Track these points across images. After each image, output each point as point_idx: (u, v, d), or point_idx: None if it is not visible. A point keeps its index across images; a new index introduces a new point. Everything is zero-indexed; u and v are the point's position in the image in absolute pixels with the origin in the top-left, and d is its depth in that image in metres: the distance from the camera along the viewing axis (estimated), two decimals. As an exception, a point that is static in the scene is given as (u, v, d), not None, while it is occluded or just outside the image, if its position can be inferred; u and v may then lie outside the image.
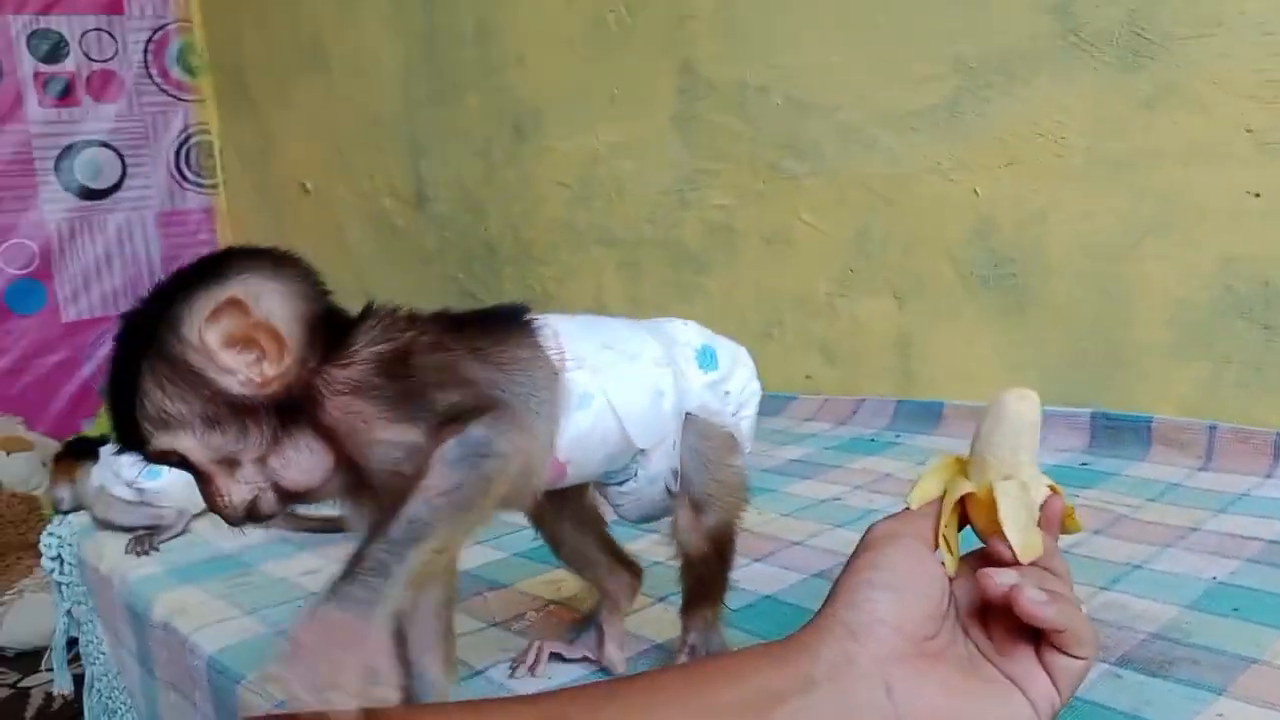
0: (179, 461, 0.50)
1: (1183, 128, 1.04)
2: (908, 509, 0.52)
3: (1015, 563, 0.49)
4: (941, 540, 0.50)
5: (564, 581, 0.81)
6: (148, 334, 0.50)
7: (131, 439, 0.51)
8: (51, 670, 1.19)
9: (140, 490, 1.02)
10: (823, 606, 0.49)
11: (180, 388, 0.49)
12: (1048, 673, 0.49)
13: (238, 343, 0.49)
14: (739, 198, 1.48)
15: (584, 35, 1.67)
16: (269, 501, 0.51)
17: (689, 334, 0.65)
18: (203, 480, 0.51)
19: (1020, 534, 0.50)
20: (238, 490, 0.50)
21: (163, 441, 0.50)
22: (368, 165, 2.28)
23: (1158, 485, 0.93)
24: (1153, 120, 1.06)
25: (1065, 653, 0.49)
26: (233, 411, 0.49)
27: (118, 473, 1.03)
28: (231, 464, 0.50)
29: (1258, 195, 1.00)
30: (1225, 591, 0.70)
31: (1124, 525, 0.84)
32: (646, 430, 0.58)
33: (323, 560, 0.91)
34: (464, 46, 1.92)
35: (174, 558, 0.96)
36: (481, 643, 0.70)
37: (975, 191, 1.20)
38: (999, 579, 0.48)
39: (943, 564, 0.50)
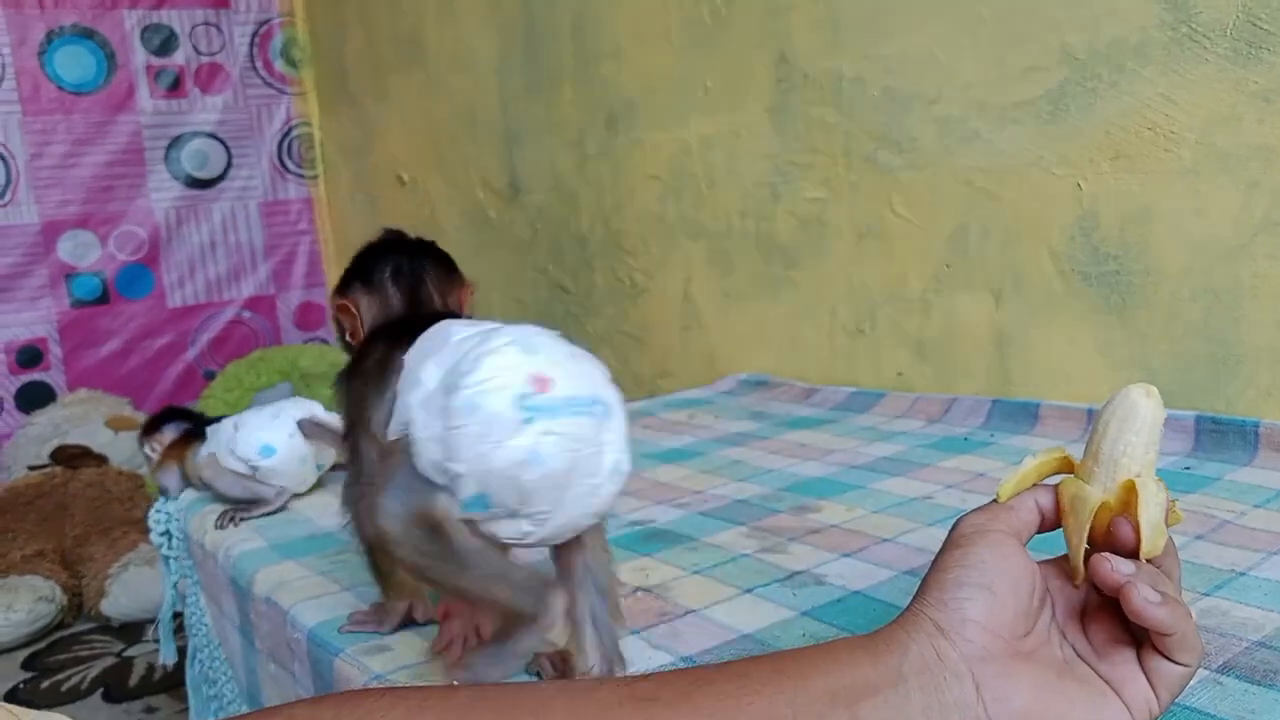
0: None
1: (1301, 121, 1.00)
2: (995, 502, 0.52)
3: (1136, 554, 0.48)
4: (1072, 546, 0.50)
5: (650, 569, 0.82)
6: None
7: None
8: (157, 641, 1.25)
9: (254, 467, 1.07)
10: (911, 603, 0.49)
11: None
12: (1147, 678, 0.48)
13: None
14: (832, 190, 1.47)
15: (679, 27, 1.67)
16: None
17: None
18: None
19: (1152, 529, 0.49)
20: None
21: None
22: (463, 157, 2.32)
23: (1264, 491, 0.90)
24: (1267, 114, 1.02)
25: (1169, 658, 0.48)
26: None
27: (233, 449, 1.07)
28: None
29: (1382, 192, 0.96)
30: (1338, 603, 0.67)
31: (1227, 531, 0.81)
32: None
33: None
34: (560, 39, 1.94)
35: (275, 534, 0.99)
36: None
37: (1079, 186, 1.17)
38: (1119, 567, 0.47)
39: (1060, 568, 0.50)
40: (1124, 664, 0.49)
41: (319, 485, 1.14)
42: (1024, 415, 1.18)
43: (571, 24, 1.90)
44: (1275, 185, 1.02)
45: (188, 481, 1.17)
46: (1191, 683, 0.57)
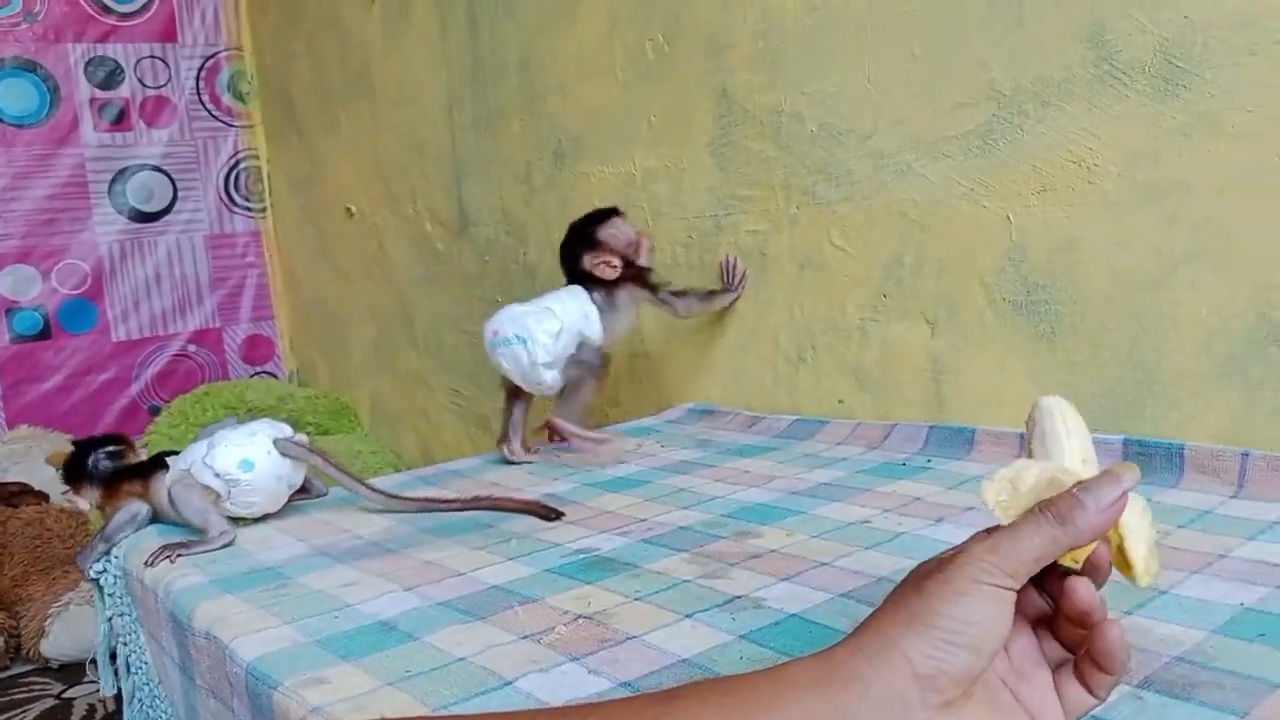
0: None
1: (1216, 156, 1.04)
2: (997, 531, 0.49)
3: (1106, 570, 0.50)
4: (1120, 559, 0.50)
5: (592, 596, 0.83)
6: None
7: None
8: (95, 681, 1.23)
9: (232, 481, 1.08)
10: (882, 629, 0.46)
11: None
12: (1061, 703, 0.49)
13: None
14: (772, 223, 1.50)
15: (623, 63, 1.70)
16: None
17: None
18: None
19: (1147, 551, 0.50)
20: None
21: None
22: (411, 190, 2.33)
23: (1189, 512, 0.93)
24: (1185, 149, 1.06)
25: (1092, 690, 0.49)
26: None
27: (211, 463, 1.09)
28: None
29: (1292, 223, 1.00)
30: (1253, 618, 0.70)
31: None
32: None
33: (360, 573, 0.93)
34: (507, 75, 1.96)
35: (216, 569, 0.99)
36: (513, 654, 0.72)
37: (1008, 218, 1.21)
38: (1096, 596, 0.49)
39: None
40: (1043, 688, 0.49)
41: (271, 515, 1.14)
42: (960, 441, 1.20)
43: (518, 59, 1.92)
44: (1194, 218, 1.07)
45: (154, 512, 1.15)
46: (1113, 698, 0.59)
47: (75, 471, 1.17)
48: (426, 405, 2.43)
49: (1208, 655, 0.64)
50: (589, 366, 1.41)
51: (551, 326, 1.37)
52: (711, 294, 1.53)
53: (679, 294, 1.48)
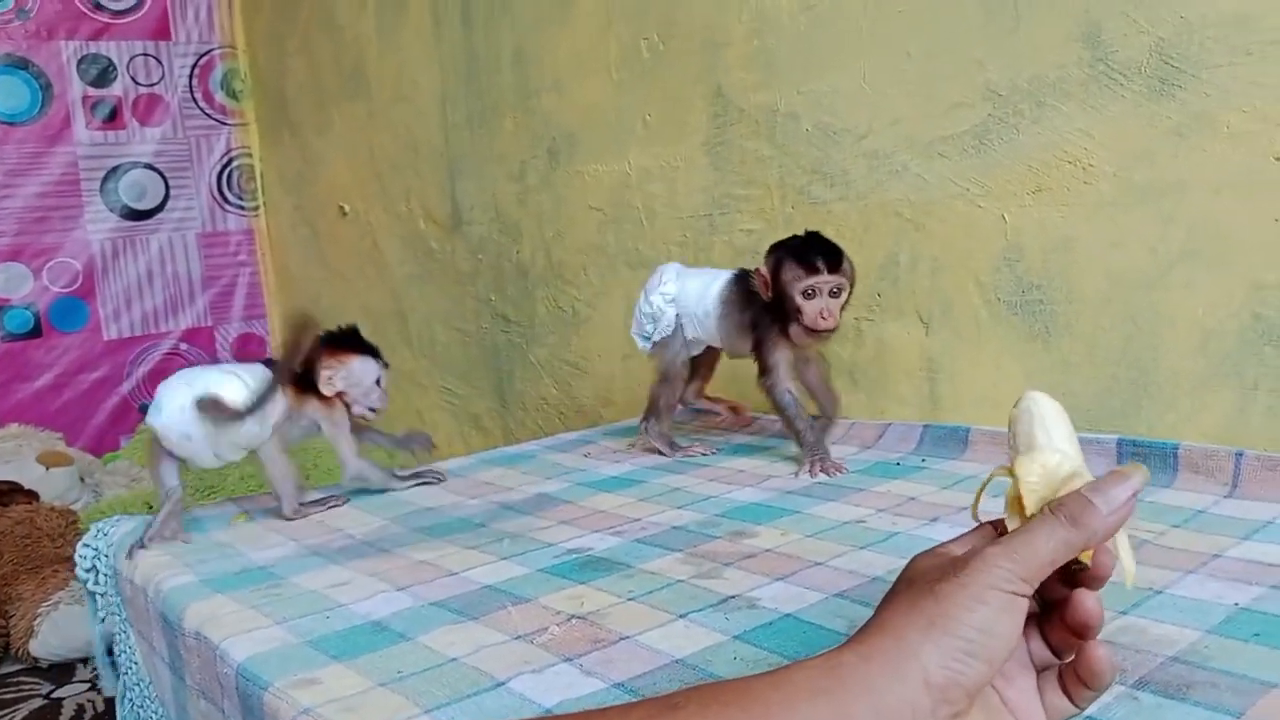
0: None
1: (1211, 156, 1.04)
2: (1011, 534, 0.48)
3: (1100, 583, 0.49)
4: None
5: (585, 596, 0.82)
6: None
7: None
8: (91, 680, 1.22)
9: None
10: (899, 633, 0.45)
11: None
12: (1044, 709, 0.49)
13: None
14: (767, 223, 1.50)
15: (618, 62, 1.70)
16: None
17: None
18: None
19: (1127, 556, 0.50)
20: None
21: None
22: (405, 188, 2.32)
23: (1183, 512, 0.93)
24: (1181, 149, 1.06)
25: (1073, 699, 0.49)
26: None
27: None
28: None
29: (1287, 223, 1.00)
30: (1247, 617, 0.69)
31: (1146, 551, 0.84)
32: None
33: (352, 573, 0.93)
34: (501, 73, 1.95)
35: (207, 568, 0.98)
36: (506, 654, 0.71)
37: (1003, 218, 1.21)
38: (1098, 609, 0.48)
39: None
40: (1028, 691, 0.49)
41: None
42: (954, 440, 1.20)
43: (512, 57, 1.92)
44: (1189, 218, 1.07)
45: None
46: (1107, 698, 0.59)
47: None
48: (420, 404, 2.42)
49: (1203, 655, 0.64)
50: (663, 362, 1.33)
51: (669, 290, 1.30)
52: (802, 422, 1.21)
53: (779, 384, 1.21)
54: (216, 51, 3.00)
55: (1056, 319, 1.17)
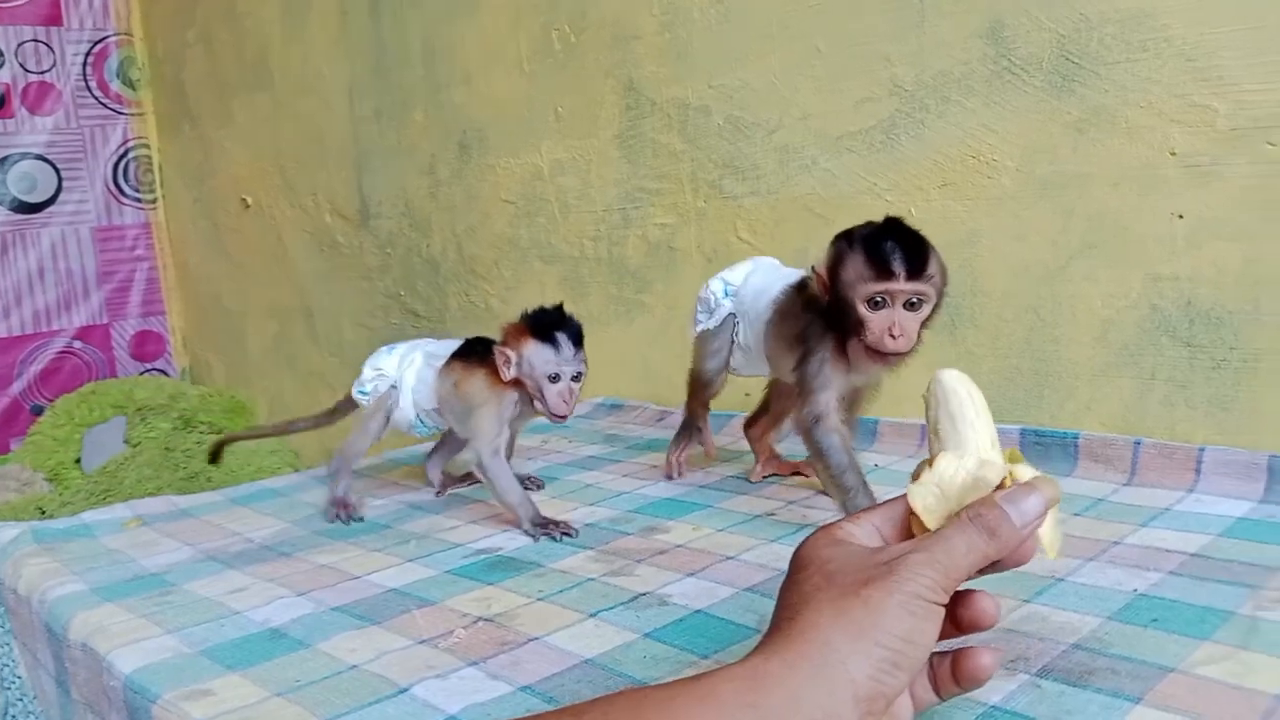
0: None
1: (1110, 151, 1.06)
2: (930, 543, 0.48)
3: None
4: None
5: (493, 598, 0.80)
6: None
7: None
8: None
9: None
10: (826, 639, 0.44)
11: None
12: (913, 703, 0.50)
13: None
14: (680, 216, 1.49)
15: (529, 54, 1.67)
16: None
17: None
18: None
19: (1053, 528, 0.51)
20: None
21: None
22: (310, 182, 2.26)
23: (1084, 500, 0.95)
24: (1081, 143, 1.08)
25: (939, 693, 0.51)
26: None
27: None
28: None
29: (1181, 217, 1.03)
30: (1145, 603, 0.71)
31: (1050, 539, 0.85)
32: None
33: (250, 579, 0.89)
34: (410, 64, 1.91)
35: (97, 576, 0.93)
36: (409, 659, 0.69)
37: (910, 212, 1.22)
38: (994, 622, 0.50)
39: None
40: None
41: (159, 517, 1.09)
42: (863, 432, 1.21)
43: (422, 49, 1.88)
44: (1089, 211, 1.09)
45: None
46: (1011, 686, 0.59)
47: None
48: (327, 403, 2.35)
49: (1103, 642, 0.65)
50: (695, 357, 1.12)
51: (734, 279, 1.09)
52: (852, 477, 0.90)
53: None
54: (112, 39, 2.89)
55: (961, 311, 1.19)
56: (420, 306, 2.01)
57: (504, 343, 1.02)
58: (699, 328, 1.10)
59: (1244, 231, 0.99)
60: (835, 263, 0.86)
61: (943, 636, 0.50)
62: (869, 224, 0.86)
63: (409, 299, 2.04)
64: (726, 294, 1.08)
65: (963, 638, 0.53)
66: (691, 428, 1.14)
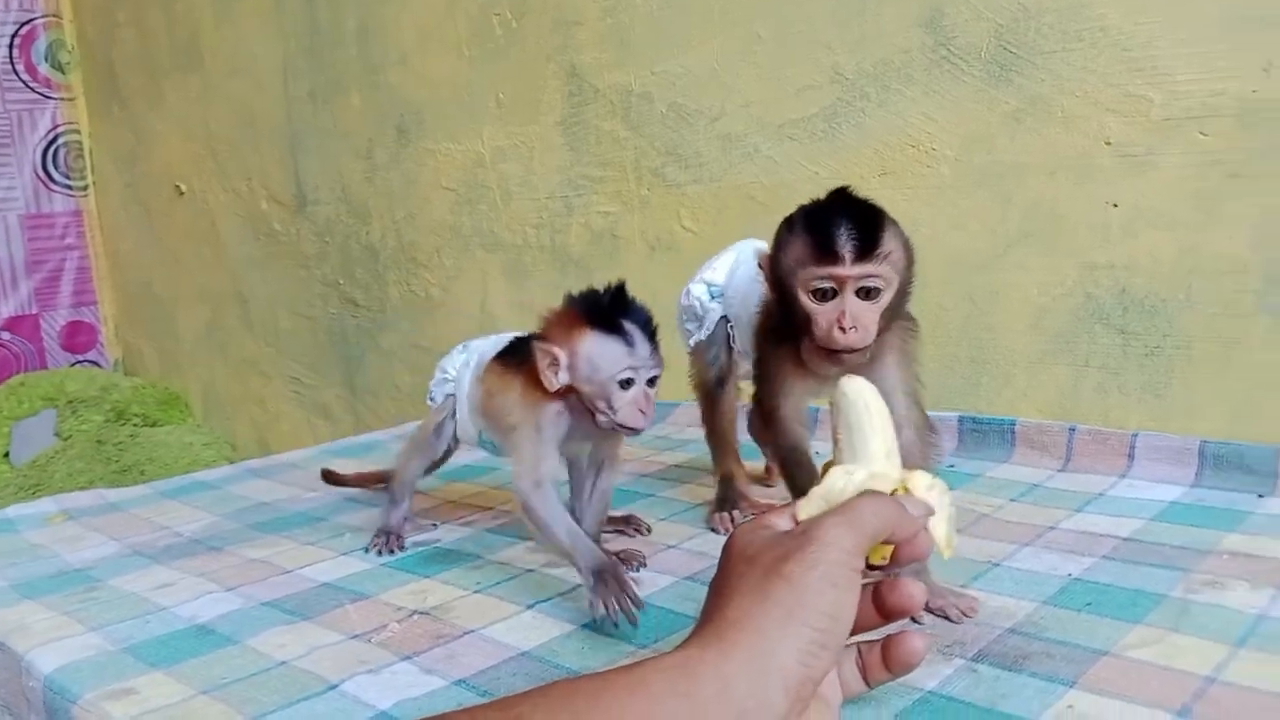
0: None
1: (1047, 140, 1.07)
2: (840, 514, 0.48)
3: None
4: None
5: (430, 590, 0.79)
6: None
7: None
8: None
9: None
10: (758, 627, 0.44)
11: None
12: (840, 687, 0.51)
13: None
14: (624, 204, 1.48)
15: (468, 37, 1.65)
16: None
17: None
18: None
19: (947, 527, 0.51)
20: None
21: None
22: (245, 167, 2.21)
23: (1020, 486, 0.96)
24: (1018, 133, 1.09)
25: (888, 669, 0.50)
26: None
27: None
28: None
29: (1116, 206, 1.04)
30: (1080, 587, 0.72)
31: (985, 525, 0.86)
32: None
33: (178, 574, 0.87)
34: (345, 45, 1.87)
35: (18, 572, 0.90)
36: (341, 655, 0.68)
37: (851, 200, 1.22)
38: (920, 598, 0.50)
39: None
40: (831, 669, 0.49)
41: (85, 511, 1.05)
42: None
43: (357, 29, 1.84)
44: (1026, 200, 1.10)
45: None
46: (948, 671, 0.60)
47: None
48: (263, 393, 2.32)
49: (1038, 626, 0.65)
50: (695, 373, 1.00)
51: (716, 279, 0.98)
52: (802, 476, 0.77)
53: None
54: (40, 20, 2.80)
55: (903, 300, 1.19)
56: (359, 295, 1.98)
57: (546, 337, 0.76)
58: (691, 340, 0.99)
59: (1177, 221, 1.01)
60: (776, 248, 0.73)
61: (870, 625, 0.50)
62: (817, 201, 0.72)
63: (348, 287, 2.00)
64: (713, 297, 0.97)
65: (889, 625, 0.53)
66: (731, 491, 0.95)
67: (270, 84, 2.07)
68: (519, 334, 0.86)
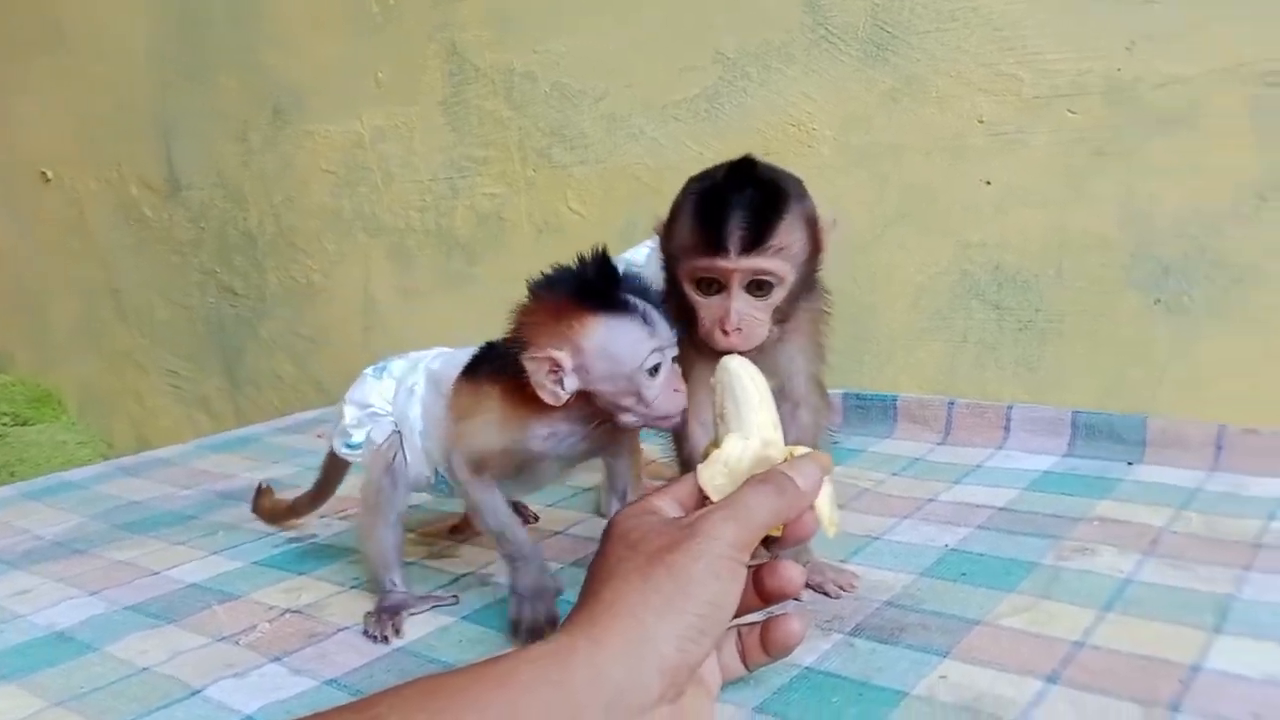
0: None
1: (922, 119, 1.09)
2: (727, 505, 0.48)
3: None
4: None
5: (304, 588, 0.76)
6: None
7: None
8: None
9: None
10: (634, 613, 0.43)
11: None
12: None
13: None
14: (509, 186, 1.46)
15: (344, 15, 1.60)
16: None
17: None
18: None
19: (831, 507, 0.52)
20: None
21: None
22: (114, 152, 2.11)
23: (901, 460, 0.97)
24: (895, 113, 1.10)
25: (767, 652, 0.52)
26: None
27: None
28: None
29: (989, 183, 1.06)
30: (955, 558, 0.73)
31: (866, 499, 0.87)
32: None
33: (37, 579, 0.82)
34: (217, 25, 1.80)
35: None
36: (206, 659, 0.65)
37: (735, 180, 1.22)
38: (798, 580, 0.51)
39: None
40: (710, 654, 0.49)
41: None
42: (881, 416, 1.18)
43: (228, 8, 1.77)
44: (904, 181, 1.11)
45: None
46: (825, 646, 0.60)
47: None
48: (140, 388, 2.22)
49: (915, 598, 0.66)
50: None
51: (633, 254, 0.84)
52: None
53: None
54: (-118, -6, 2.62)
55: (787, 279, 1.20)
56: (238, 283, 1.91)
57: (531, 340, 0.62)
58: None
59: (1048, 198, 1.03)
60: (666, 224, 0.67)
61: (750, 609, 0.50)
62: (720, 167, 0.66)
63: (225, 275, 1.93)
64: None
65: (769, 608, 0.53)
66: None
67: (139, 65, 1.98)
68: (460, 349, 0.74)
